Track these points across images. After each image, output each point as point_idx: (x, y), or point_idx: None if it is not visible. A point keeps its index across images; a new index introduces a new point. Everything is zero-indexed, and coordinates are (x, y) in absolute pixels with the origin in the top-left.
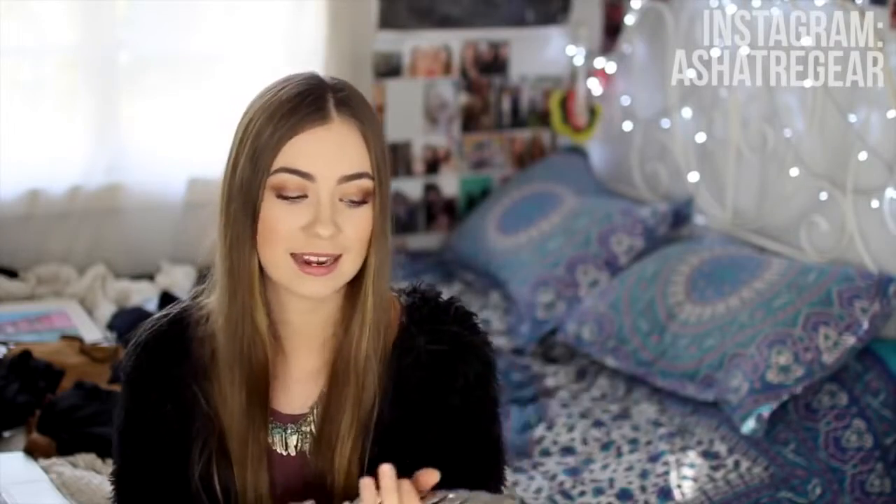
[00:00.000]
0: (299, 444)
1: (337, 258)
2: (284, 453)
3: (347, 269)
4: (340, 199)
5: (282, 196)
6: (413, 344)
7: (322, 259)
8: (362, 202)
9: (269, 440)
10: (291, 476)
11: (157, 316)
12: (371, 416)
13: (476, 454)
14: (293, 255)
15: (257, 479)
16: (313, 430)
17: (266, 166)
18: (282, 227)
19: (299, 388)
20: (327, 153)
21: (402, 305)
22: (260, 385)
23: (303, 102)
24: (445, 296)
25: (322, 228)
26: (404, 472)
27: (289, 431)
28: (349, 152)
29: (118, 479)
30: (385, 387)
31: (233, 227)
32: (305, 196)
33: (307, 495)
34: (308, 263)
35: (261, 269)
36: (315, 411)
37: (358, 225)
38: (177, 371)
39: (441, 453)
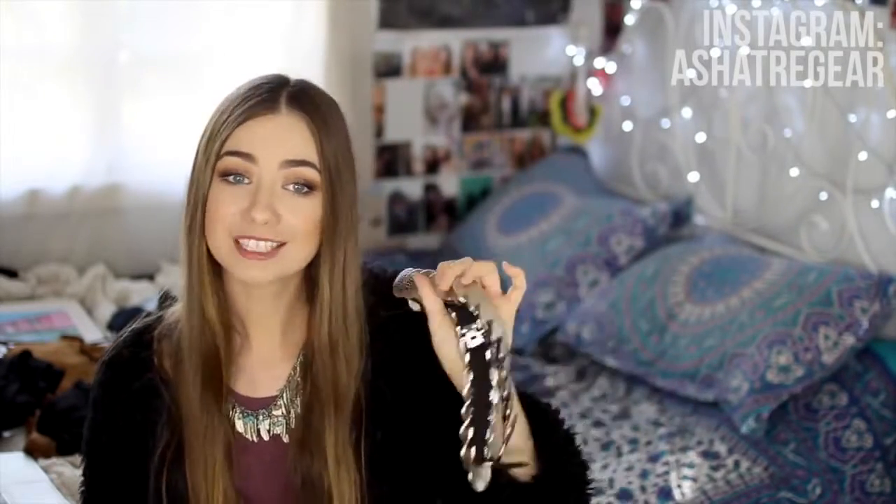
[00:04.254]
0: (271, 429)
1: (280, 246)
2: (255, 440)
3: (291, 257)
4: (284, 187)
5: (226, 180)
6: (376, 318)
7: (260, 246)
8: (308, 192)
9: (241, 429)
10: (267, 462)
11: (123, 331)
12: (356, 400)
13: None
14: (235, 239)
15: (216, 472)
16: (284, 412)
17: (215, 152)
18: (223, 209)
19: (265, 373)
20: (270, 137)
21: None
22: (213, 370)
23: (255, 94)
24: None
25: (257, 213)
26: (409, 447)
27: (260, 417)
28: (293, 139)
29: (85, 491)
30: (365, 369)
31: (188, 216)
32: (249, 181)
33: (292, 481)
34: (246, 250)
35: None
36: (285, 394)
37: (300, 214)
38: (139, 384)
39: (445, 412)
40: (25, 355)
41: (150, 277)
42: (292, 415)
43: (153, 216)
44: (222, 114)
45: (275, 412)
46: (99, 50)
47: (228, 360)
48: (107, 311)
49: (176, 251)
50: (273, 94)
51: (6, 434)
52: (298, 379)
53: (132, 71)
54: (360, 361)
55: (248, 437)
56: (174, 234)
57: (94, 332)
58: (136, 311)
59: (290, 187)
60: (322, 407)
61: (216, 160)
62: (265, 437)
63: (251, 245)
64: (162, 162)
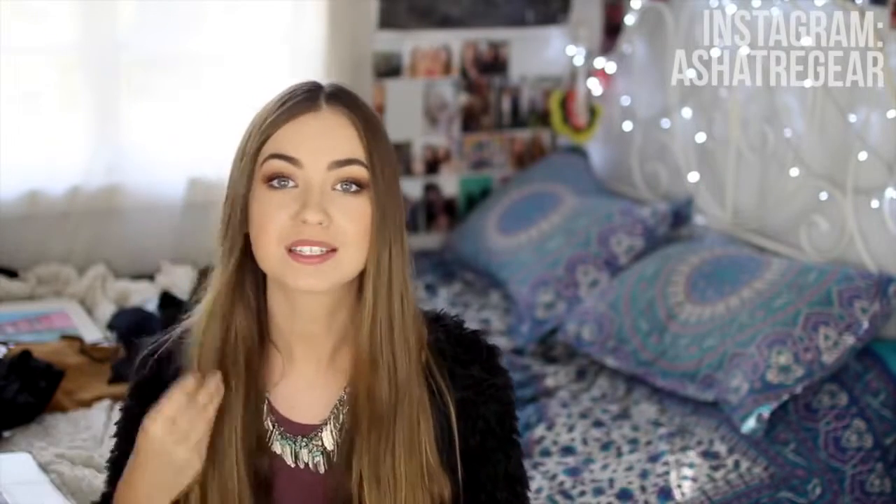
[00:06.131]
0: (311, 458)
1: (332, 251)
2: (293, 465)
3: (346, 263)
4: (333, 188)
5: (270, 185)
6: (437, 387)
7: (314, 249)
8: (357, 191)
9: (278, 450)
10: (301, 488)
11: (171, 328)
12: (409, 424)
13: (494, 493)
14: (288, 249)
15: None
16: (324, 444)
17: (255, 152)
18: (272, 215)
19: (308, 396)
20: (314, 139)
21: (425, 333)
22: (246, 382)
23: (293, 96)
24: (467, 323)
25: (309, 214)
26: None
27: (299, 444)
28: (338, 138)
29: (111, 467)
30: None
31: (230, 231)
32: (295, 185)
33: None
34: (300, 255)
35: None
36: (329, 426)
37: (352, 214)
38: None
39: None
40: (25, 355)
41: (150, 277)
42: (334, 448)
43: (153, 216)
44: (260, 121)
45: (314, 442)
46: (99, 50)
47: (265, 378)
48: (107, 311)
49: (176, 252)
50: (311, 93)
51: (6, 434)
52: (344, 413)
53: (132, 71)
54: (418, 388)
55: (287, 460)
56: (174, 234)
57: (94, 332)
58: (136, 311)
59: (339, 187)
60: (357, 422)
61: (255, 164)
62: (301, 465)
63: (305, 252)
64: (162, 162)
